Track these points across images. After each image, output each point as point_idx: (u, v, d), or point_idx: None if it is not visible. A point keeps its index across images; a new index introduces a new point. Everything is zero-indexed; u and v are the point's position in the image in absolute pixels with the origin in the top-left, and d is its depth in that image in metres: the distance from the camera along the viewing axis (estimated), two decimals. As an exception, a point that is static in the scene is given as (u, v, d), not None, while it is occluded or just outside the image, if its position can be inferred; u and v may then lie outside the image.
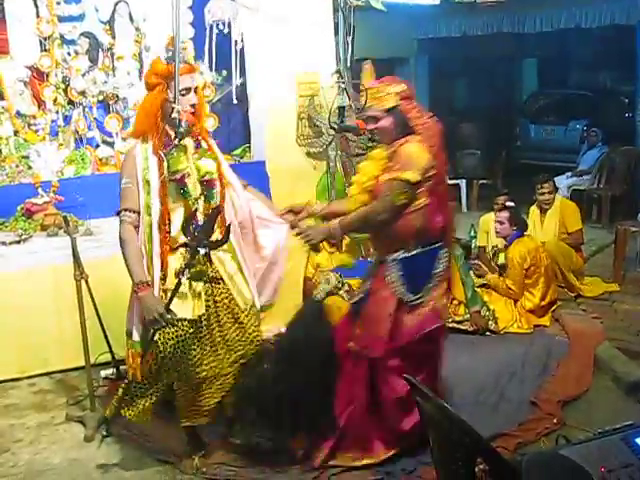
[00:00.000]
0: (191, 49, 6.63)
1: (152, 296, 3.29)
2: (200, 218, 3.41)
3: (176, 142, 3.38)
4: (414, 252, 3.48)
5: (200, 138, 3.56)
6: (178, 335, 3.37)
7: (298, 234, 3.55)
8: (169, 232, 3.36)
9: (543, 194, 6.52)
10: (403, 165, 3.32)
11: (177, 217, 3.39)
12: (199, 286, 3.41)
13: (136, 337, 3.42)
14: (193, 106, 3.42)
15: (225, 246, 3.49)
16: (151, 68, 3.47)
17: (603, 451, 1.85)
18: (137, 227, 3.39)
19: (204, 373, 3.48)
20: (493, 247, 6.26)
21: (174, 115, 3.35)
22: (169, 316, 3.26)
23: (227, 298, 3.53)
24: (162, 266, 3.36)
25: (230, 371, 3.57)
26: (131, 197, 3.35)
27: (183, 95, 3.35)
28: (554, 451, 1.87)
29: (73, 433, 4.12)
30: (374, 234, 3.70)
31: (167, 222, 3.34)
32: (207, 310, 3.45)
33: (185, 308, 3.38)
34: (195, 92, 3.45)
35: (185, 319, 3.38)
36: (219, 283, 3.50)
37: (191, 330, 3.40)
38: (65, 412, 4.34)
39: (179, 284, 3.31)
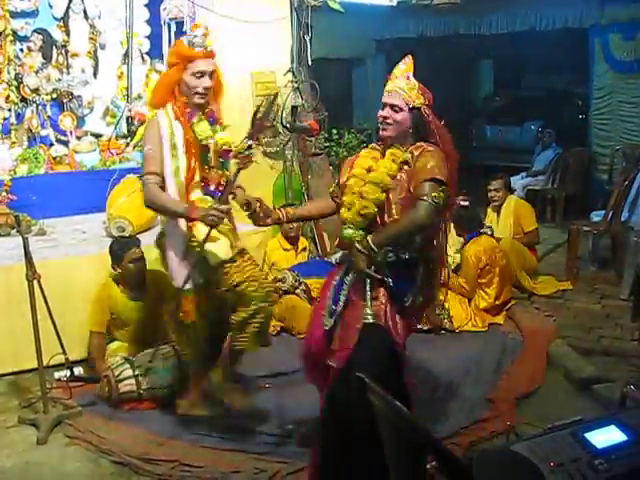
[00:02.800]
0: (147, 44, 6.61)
1: (202, 207, 3.52)
2: (212, 186, 3.71)
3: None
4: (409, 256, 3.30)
5: (215, 117, 3.82)
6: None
7: (360, 272, 3.25)
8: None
9: (490, 190, 6.65)
10: (432, 167, 3.19)
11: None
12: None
13: (189, 286, 3.74)
14: (207, 89, 3.66)
15: None
16: (174, 48, 3.75)
17: (553, 446, 1.89)
18: (162, 189, 3.63)
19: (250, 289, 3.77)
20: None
21: (126, 113, 3.55)
22: (222, 207, 3.49)
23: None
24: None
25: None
26: (154, 162, 3.58)
27: (197, 78, 3.60)
28: (505, 447, 1.90)
29: (26, 436, 4.05)
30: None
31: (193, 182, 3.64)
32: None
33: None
34: (210, 77, 3.67)
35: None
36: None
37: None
38: (17, 415, 4.26)
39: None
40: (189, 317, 3.83)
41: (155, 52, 6.83)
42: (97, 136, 6.65)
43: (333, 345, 3.34)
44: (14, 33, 6.19)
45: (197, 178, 3.68)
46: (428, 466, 1.81)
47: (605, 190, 8.50)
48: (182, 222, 3.68)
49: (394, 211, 3.26)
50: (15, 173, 5.96)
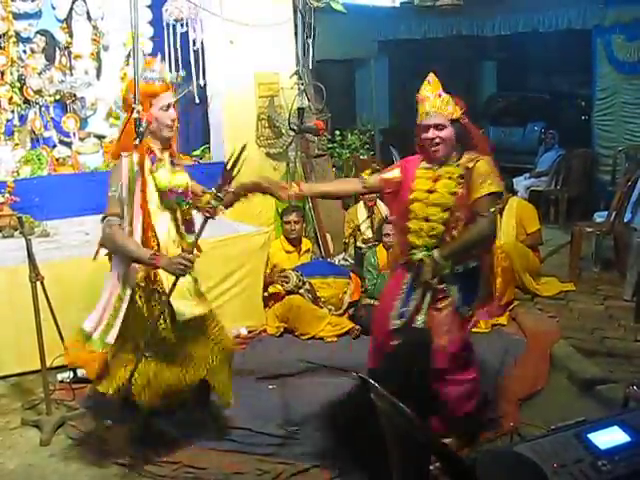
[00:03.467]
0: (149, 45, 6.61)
1: (167, 256, 3.45)
2: (183, 223, 3.67)
3: (136, 142, 3.55)
4: (473, 265, 3.58)
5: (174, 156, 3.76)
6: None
7: (425, 284, 3.53)
8: (156, 238, 3.52)
9: None
10: (486, 179, 3.44)
11: (162, 223, 3.57)
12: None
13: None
14: (173, 120, 3.65)
15: None
16: (127, 89, 3.67)
17: (556, 447, 1.88)
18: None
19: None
20: None
21: (134, 115, 3.47)
22: (189, 255, 3.41)
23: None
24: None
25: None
26: (117, 204, 3.50)
27: (165, 111, 3.60)
28: (508, 448, 1.90)
29: (29, 437, 4.05)
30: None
31: (152, 230, 3.51)
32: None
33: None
34: (174, 108, 3.67)
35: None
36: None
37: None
38: (21, 416, 4.27)
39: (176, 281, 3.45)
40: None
41: (157, 53, 6.83)
42: (100, 137, 6.66)
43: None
44: (17, 35, 6.19)
45: (154, 221, 3.55)
46: (432, 467, 1.81)
47: (608, 191, 8.50)
48: (133, 269, 3.54)
49: (459, 224, 3.50)
50: (18, 175, 5.97)
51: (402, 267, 3.72)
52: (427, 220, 3.51)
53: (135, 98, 3.54)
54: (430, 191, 3.53)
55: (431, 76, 3.62)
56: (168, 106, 3.60)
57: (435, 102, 3.52)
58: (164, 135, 3.61)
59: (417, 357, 3.46)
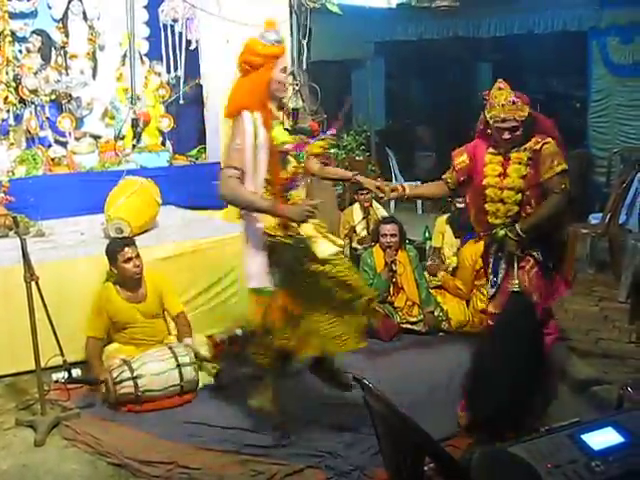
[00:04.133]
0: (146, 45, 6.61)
1: (289, 204, 3.64)
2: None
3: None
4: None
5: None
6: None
7: (511, 254, 3.95)
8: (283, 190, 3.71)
9: None
10: (554, 159, 3.86)
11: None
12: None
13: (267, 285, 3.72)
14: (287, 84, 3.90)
15: None
16: (250, 49, 3.70)
17: (550, 448, 1.89)
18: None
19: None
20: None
21: (131, 115, 3.51)
22: (313, 202, 3.63)
23: None
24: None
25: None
26: (239, 157, 3.58)
27: (284, 72, 3.74)
28: (502, 448, 1.90)
29: (23, 438, 4.04)
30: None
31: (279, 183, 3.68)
32: None
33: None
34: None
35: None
36: None
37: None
38: (15, 417, 4.25)
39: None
40: (269, 318, 3.78)
41: (154, 54, 6.84)
42: (96, 137, 6.66)
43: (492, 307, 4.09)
44: (13, 34, 6.21)
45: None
46: (426, 468, 1.81)
47: (603, 193, 8.51)
48: (261, 219, 3.68)
49: (533, 202, 3.89)
50: (13, 174, 5.96)
51: (483, 241, 4.21)
52: (502, 202, 3.89)
53: (132, 100, 3.52)
54: (501, 175, 3.91)
55: (502, 83, 3.99)
56: (285, 69, 3.75)
57: (509, 108, 3.85)
58: (280, 95, 3.77)
59: (527, 319, 3.72)
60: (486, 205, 3.96)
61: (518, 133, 3.87)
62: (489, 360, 3.62)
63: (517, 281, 3.91)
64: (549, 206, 3.88)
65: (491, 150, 4.00)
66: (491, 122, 3.91)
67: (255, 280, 3.72)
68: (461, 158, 4.12)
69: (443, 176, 4.20)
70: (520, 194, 3.88)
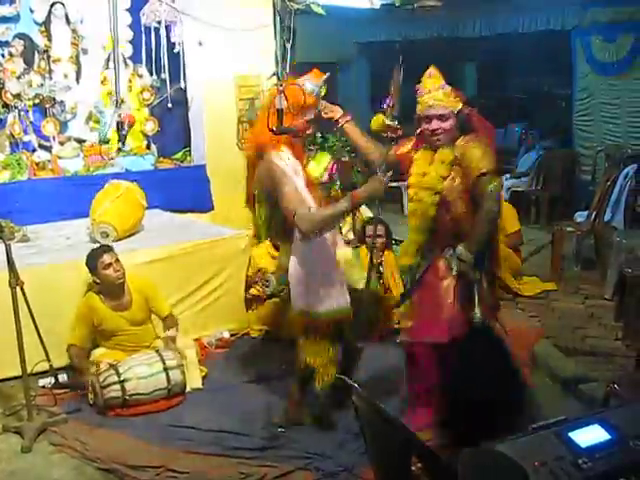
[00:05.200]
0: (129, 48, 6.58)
1: (360, 189, 3.57)
2: None
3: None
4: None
5: None
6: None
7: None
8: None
9: None
10: (479, 160, 3.55)
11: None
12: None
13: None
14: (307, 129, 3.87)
15: None
16: (297, 97, 3.68)
17: (537, 446, 1.89)
18: None
19: None
20: None
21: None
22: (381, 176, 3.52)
23: None
24: None
25: None
26: (300, 198, 3.54)
27: (306, 122, 3.78)
28: (489, 447, 1.91)
29: (10, 444, 4.01)
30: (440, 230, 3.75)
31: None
32: None
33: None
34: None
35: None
36: None
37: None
38: (2, 423, 4.23)
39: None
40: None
41: (137, 57, 6.82)
42: (80, 141, 6.62)
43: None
44: (-5, 38, 6.16)
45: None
46: (413, 467, 1.81)
47: (589, 191, 8.55)
48: (323, 242, 3.68)
49: (458, 206, 3.62)
50: (-3, 179, 5.93)
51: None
52: (420, 202, 3.68)
53: (117, 104, 3.50)
54: (424, 174, 3.68)
55: (432, 69, 3.72)
56: (310, 119, 3.78)
57: (437, 95, 3.62)
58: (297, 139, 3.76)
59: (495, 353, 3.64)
60: (409, 204, 3.82)
61: (446, 126, 3.61)
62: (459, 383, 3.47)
63: (478, 311, 3.58)
64: (481, 216, 3.56)
65: (424, 146, 3.78)
66: (418, 111, 3.70)
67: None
68: (406, 146, 3.90)
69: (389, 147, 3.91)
70: (437, 196, 3.62)
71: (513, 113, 12.15)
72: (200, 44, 6.36)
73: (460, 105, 3.65)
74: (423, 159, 3.73)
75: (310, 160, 3.76)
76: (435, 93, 3.62)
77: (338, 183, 3.86)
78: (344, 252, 3.88)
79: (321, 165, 3.79)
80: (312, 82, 3.72)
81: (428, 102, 3.62)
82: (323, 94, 3.86)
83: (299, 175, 3.65)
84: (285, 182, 3.54)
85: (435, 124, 3.62)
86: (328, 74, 3.86)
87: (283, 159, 3.61)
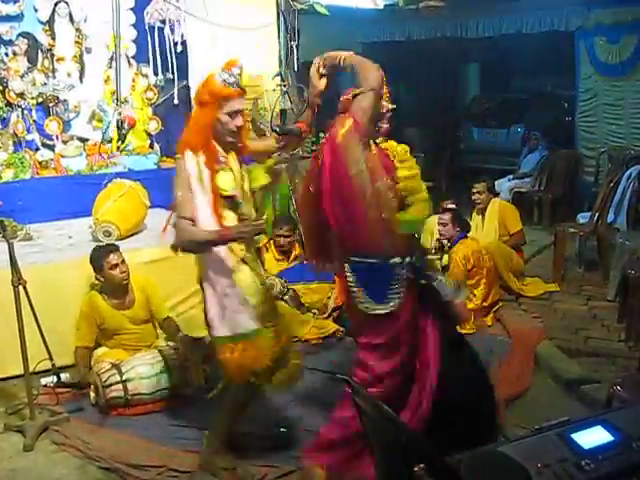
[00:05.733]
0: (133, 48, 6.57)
1: (232, 227, 3.40)
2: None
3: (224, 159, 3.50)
4: None
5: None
6: None
7: None
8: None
9: (474, 193, 6.70)
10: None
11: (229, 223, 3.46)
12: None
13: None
14: (239, 128, 3.50)
15: None
16: (206, 86, 3.49)
17: (540, 447, 1.89)
18: None
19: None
20: (436, 243, 6.26)
21: (116, 117, 3.40)
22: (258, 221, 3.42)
23: None
24: None
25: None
26: (188, 206, 3.38)
27: (231, 117, 3.45)
28: (492, 448, 1.90)
29: (12, 442, 4.01)
30: None
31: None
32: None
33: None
34: (242, 115, 3.55)
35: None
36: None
37: None
38: (4, 421, 4.23)
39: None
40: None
41: (141, 56, 6.82)
42: (83, 140, 6.63)
43: None
44: (-1, 37, 6.17)
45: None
46: (415, 468, 1.80)
47: (591, 192, 8.54)
48: (222, 261, 3.49)
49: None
50: (1, 178, 5.94)
51: None
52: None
53: (118, 102, 3.46)
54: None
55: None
56: (236, 112, 3.47)
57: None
58: (226, 140, 3.49)
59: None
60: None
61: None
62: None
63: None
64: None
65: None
66: (384, 110, 3.55)
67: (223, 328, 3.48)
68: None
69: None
70: None
71: (516, 114, 12.14)
72: (204, 43, 6.36)
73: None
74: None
75: (225, 171, 3.45)
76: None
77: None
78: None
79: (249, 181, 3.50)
80: (224, 72, 3.45)
81: (389, 105, 3.61)
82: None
83: (203, 183, 3.40)
84: (180, 185, 3.41)
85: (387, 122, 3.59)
86: (241, 63, 3.59)
87: (190, 162, 3.43)
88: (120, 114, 6.50)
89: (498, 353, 5.12)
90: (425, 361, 3.35)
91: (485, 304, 5.77)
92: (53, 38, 6.44)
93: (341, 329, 5.47)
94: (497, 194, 7.39)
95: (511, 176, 9.95)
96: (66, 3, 6.42)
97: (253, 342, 3.41)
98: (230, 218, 3.44)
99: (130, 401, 4.27)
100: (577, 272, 6.99)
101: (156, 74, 6.89)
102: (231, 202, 3.46)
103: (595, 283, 6.60)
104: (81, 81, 6.63)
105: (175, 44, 6.59)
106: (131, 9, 6.64)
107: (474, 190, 6.71)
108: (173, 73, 6.67)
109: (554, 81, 12.87)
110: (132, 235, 5.53)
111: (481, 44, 11.77)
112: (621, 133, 8.99)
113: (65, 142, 6.52)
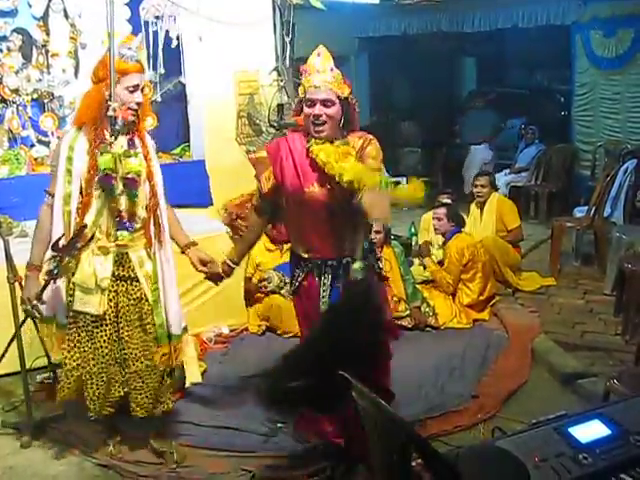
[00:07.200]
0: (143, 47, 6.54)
1: (35, 280, 3.48)
2: (125, 216, 3.48)
3: (111, 140, 3.44)
4: None
5: (136, 137, 3.57)
6: (79, 327, 3.49)
7: None
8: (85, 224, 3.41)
9: (476, 186, 6.70)
10: (375, 159, 3.22)
11: (93, 210, 3.44)
12: (105, 282, 3.46)
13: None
14: (139, 104, 3.46)
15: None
16: (102, 61, 3.49)
17: (537, 441, 1.89)
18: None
19: (110, 367, 3.54)
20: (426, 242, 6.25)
21: (110, 113, 3.36)
22: (37, 307, 3.43)
23: (138, 298, 3.54)
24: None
25: (135, 369, 3.56)
26: (53, 181, 3.46)
27: (131, 92, 3.41)
28: (490, 443, 1.90)
29: (9, 440, 4.01)
30: None
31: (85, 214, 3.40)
32: (116, 307, 3.50)
33: (90, 302, 3.45)
34: (142, 91, 3.49)
35: (88, 313, 3.46)
36: (133, 283, 3.54)
37: (94, 324, 3.49)
38: (1, 419, 4.23)
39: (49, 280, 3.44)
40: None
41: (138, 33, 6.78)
42: (79, 136, 6.60)
43: None
44: (-7, 33, 6.13)
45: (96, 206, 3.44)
46: (414, 463, 1.80)
47: (588, 186, 8.55)
48: None
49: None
50: (-4, 175, 5.91)
51: None
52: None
53: (110, 96, 3.41)
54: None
55: (322, 48, 3.32)
56: (135, 87, 3.40)
57: (326, 77, 3.21)
58: (125, 118, 3.42)
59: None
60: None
61: (331, 113, 3.20)
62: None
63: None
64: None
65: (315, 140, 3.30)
66: (301, 93, 3.31)
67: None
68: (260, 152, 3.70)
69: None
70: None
71: (513, 108, 12.13)
72: (200, 39, 6.33)
73: (347, 92, 3.25)
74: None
75: (106, 152, 3.38)
76: (322, 75, 3.21)
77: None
78: None
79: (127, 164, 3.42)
80: (122, 47, 3.45)
81: (313, 83, 3.20)
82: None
83: (81, 160, 3.37)
84: (54, 158, 3.48)
85: (318, 109, 3.18)
86: (139, 36, 3.65)
87: (67, 138, 3.43)
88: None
89: (495, 347, 5.14)
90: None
91: (481, 298, 5.78)
92: (47, 34, 6.39)
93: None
94: (497, 189, 7.40)
95: (507, 170, 9.96)
96: (60, -1, 6.39)
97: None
98: (96, 204, 3.41)
99: (127, 397, 4.25)
100: (574, 266, 7.01)
101: (150, 70, 6.86)
102: (105, 183, 3.39)
103: (592, 277, 6.62)
104: (76, 77, 6.58)
105: (170, 39, 6.56)
106: (126, 4, 6.60)
107: (477, 183, 6.72)
108: (169, 69, 6.63)
109: (550, 75, 12.86)
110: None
111: (477, 38, 11.74)
112: (618, 127, 8.99)
113: (60, 138, 6.49)
